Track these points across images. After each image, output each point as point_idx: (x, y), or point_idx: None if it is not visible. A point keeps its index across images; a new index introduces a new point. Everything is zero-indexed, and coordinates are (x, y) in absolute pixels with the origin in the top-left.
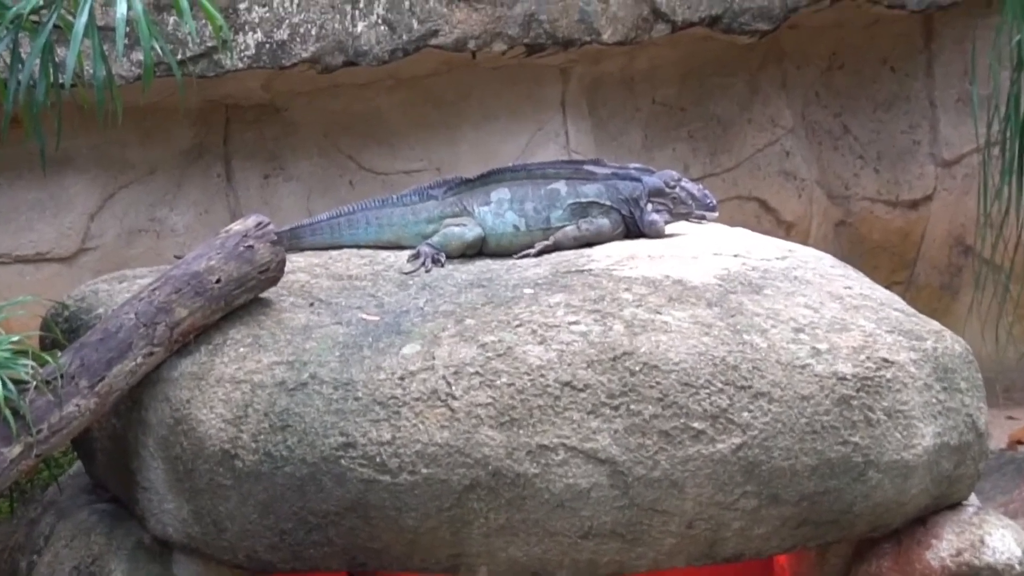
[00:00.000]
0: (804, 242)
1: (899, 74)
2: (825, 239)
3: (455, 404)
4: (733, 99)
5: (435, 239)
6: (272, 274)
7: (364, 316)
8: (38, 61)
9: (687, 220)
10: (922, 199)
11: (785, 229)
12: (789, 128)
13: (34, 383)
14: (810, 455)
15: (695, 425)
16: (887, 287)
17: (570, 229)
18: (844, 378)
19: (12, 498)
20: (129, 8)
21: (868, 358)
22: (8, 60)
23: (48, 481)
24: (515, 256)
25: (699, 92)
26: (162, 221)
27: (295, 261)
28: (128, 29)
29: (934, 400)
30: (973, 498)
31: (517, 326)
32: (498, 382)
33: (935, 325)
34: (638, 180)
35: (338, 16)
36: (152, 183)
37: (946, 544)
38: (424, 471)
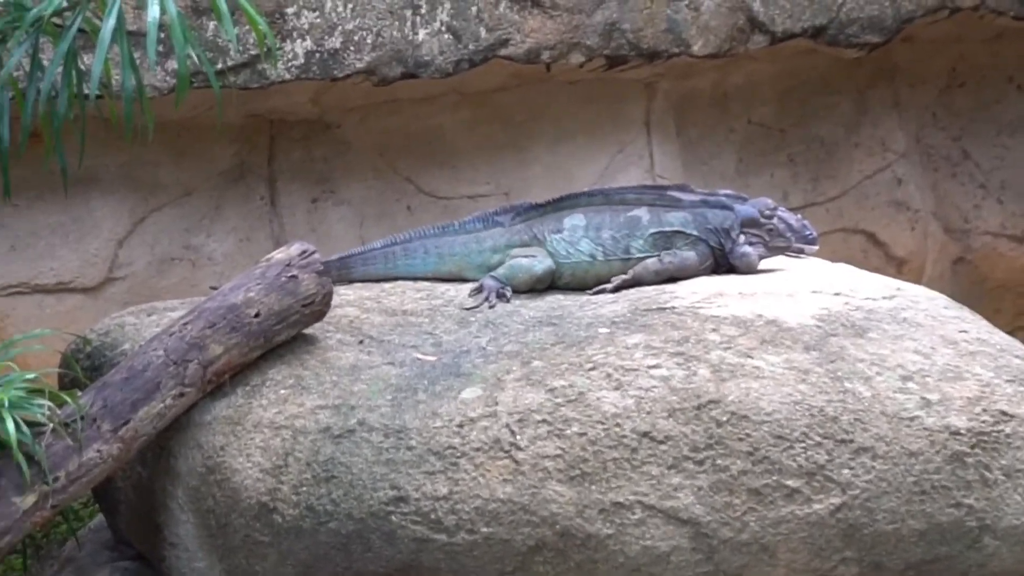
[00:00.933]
0: (917, 281)
1: None
2: (941, 277)
3: (520, 456)
4: (838, 120)
5: (500, 271)
6: (317, 308)
7: (420, 356)
8: (61, 69)
9: (784, 254)
10: None
11: (896, 266)
12: (901, 153)
13: (51, 426)
14: (918, 518)
15: (789, 483)
16: (1011, 332)
17: (652, 261)
18: (957, 432)
19: (26, 554)
20: (163, 11)
21: (985, 410)
22: (28, 67)
23: (66, 535)
24: (590, 291)
25: (800, 112)
26: (198, 248)
27: (344, 294)
28: (161, 35)
29: None
30: None
31: (590, 369)
32: (568, 432)
33: None
34: (729, 208)
35: (397, 23)
36: (187, 206)
37: None
38: (484, 530)
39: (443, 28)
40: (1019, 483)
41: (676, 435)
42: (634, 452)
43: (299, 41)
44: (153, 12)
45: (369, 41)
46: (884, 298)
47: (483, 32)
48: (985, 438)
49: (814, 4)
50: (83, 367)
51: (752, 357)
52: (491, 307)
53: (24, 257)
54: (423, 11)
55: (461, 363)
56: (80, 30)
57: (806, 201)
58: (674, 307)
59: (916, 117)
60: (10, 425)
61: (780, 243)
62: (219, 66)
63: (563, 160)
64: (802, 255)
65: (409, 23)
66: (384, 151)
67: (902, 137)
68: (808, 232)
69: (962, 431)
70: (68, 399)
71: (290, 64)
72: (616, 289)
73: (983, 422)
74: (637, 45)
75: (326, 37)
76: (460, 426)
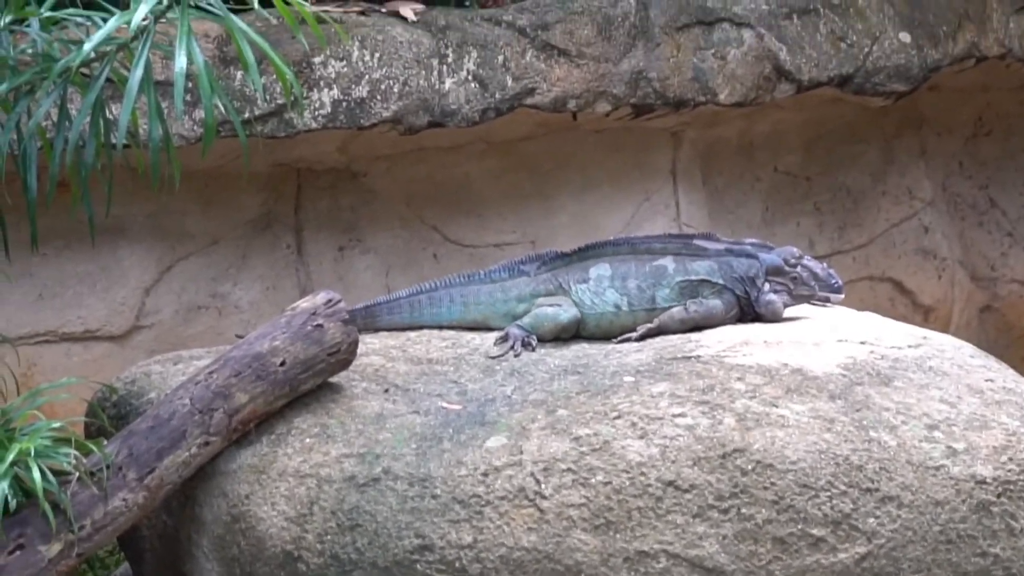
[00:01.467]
0: (944, 329)
1: None
2: (968, 326)
3: (544, 504)
4: (865, 168)
5: (526, 320)
6: (343, 356)
7: (445, 405)
8: (88, 119)
9: (809, 303)
10: None
11: (923, 314)
12: (928, 201)
13: (77, 474)
14: (944, 568)
15: (814, 532)
16: None
17: (677, 310)
18: (983, 482)
19: None
20: (190, 62)
21: (1011, 459)
22: (56, 118)
23: None
24: (615, 340)
25: (827, 160)
26: (224, 297)
27: (369, 343)
28: (189, 84)
29: None
30: None
31: (615, 418)
32: (593, 480)
33: None
34: (755, 257)
35: (423, 72)
36: (214, 255)
37: None
38: None
39: (470, 77)
40: None
41: (701, 484)
42: (659, 501)
43: (326, 90)
44: (180, 62)
45: (396, 90)
46: (910, 347)
47: (509, 81)
48: (1011, 487)
49: (840, 53)
50: (109, 415)
51: (777, 406)
52: (516, 356)
53: (52, 306)
54: (449, 60)
55: (486, 412)
56: (108, 80)
57: (832, 249)
58: (699, 356)
59: (943, 165)
60: (36, 474)
61: (805, 292)
62: (246, 115)
63: (589, 209)
64: (828, 304)
65: (436, 72)
66: (411, 200)
67: (929, 185)
68: (834, 281)
69: (988, 480)
70: (94, 448)
71: (317, 113)
72: (641, 338)
73: (1009, 471)
74: (663, 94)
75: (353, 86)
76: (485, 475)
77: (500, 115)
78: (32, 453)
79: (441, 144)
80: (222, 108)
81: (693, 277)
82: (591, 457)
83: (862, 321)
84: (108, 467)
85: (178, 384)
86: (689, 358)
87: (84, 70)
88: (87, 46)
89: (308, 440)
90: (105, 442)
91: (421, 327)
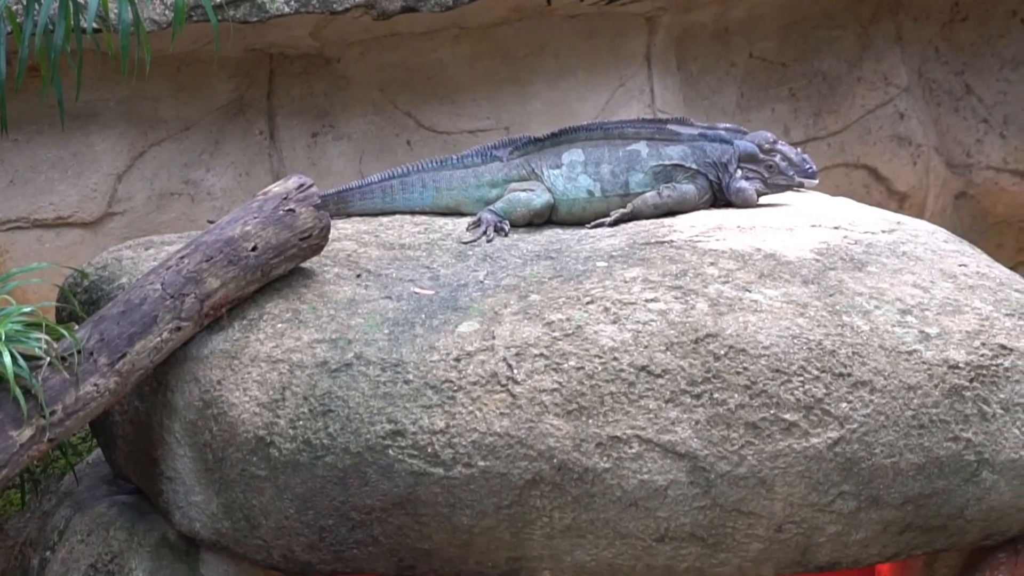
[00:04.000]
0: (919, 216)
1: None
2: (943, 213)
3: (517, 389)
4: (841, 54)
5: (498, 205)
6: (315, 242)
7: (417, 290)
8: (58, 2)
9: (784, 191)
10: None
11: (898, 201)
12: (904, 87)
13: (48, 359)
14: (916, 452)
15: (786, 417)
16: (1013, 267)
17: (650, 195)
18: (956, 366)
19: (24, 488)
20: None
21: (984, 344)
22: (24, 0)
23: (64, 470)
24: (588, 225)
25: (802, 46)
26: (197, 183)
27: (341, 228)
28: None
29: None
30: None
31: (588, 303)
32: (565, 365)
33: None
34: (728, 143)
35: None
36: (186, 141)
37: None
38: (481, 464)
39: None
40: (1017, 417)
41: (673, 369)
42: (631, 386)
43: None
44: None
45: None
46: (883, 232)
47: None
48: (984, 372)
49: None
50: (80, 301)
51: (750, 291)
52: (489, 241)
53: (23, 192)
54: None
55: (459, 297)
56: None
57: (807, 136)
58: (672, 241)
59: (919, 51)
60: (7, 358)
61: (781, 181)
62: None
63: (563, 95)
64: (801, 188)
65: None
66: (384, 86)
67: (904, 71)
68: (808, 166)
69: (961, 365)
70: (65, 333)
71: None
72: (615, 223)
73: (982, 356)
74: None
75: None
76: (457, 360)
77: (474, 0)
78: (3, 337)
79: (415, 29)
80: None
81: (666, 162)
82: (563, 342)
83: (836, 206)
84: (79, 352)
85: (149, 269)
86: (662, 243)
87: None
88: None
89: (280, 325)
90: (76, 327)
91: (394, 212)
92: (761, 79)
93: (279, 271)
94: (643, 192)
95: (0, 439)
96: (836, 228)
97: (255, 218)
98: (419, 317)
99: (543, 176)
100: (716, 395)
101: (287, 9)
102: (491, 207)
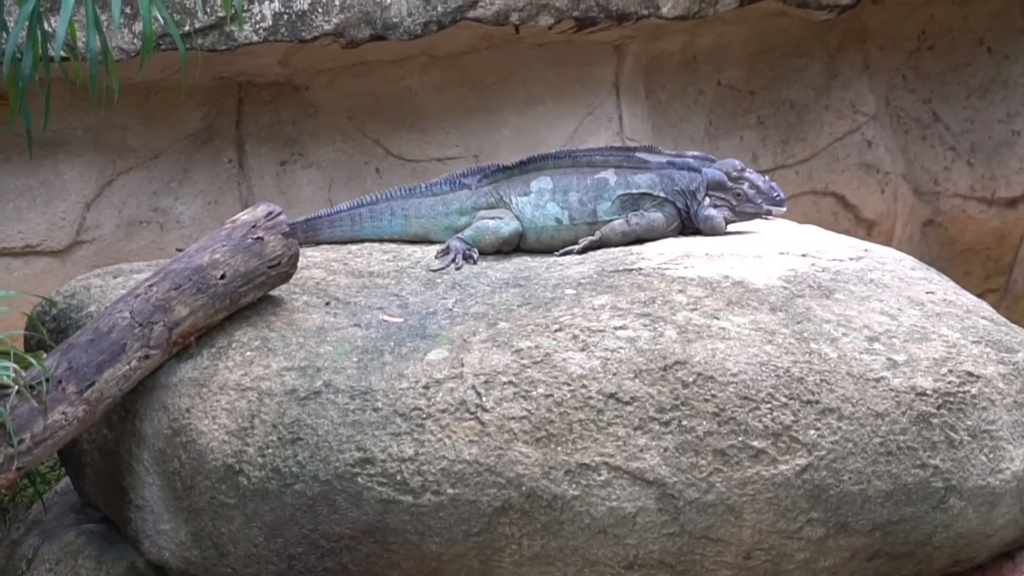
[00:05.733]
0: (887, 243)
1: (996, 56)
2: (911, 240)
3: (485, 417)
4: (808, 82)
5: (467, 233)
6: (284, 269)
7: (386, 318)
8: (25, 30)
9: (752, 219)
10: (1021, 196)
11: (866, 228)
12: (871, 115)
13: (16, 388)
14: (884, 479)
15: (755, 444)
16: (979, 295)
17: (619, 223)
18: (923, 393)
19: None
20: None
21: (951, 371)
22: None
23: (32, 498)
24: (557, 253)
25: (770, 74)
26: (166, 211)
27: (310, 256)
28: None
29: None
30: None
31: (556, 331)
32: (534, 393)
33: None
34: (697, 171)
35: None
36: (155, 169)
37: None
38: (450, 491)
39: None
40: (985, 444)
41: (642, 396)
42: (600, 413)
43: (267, 3)
44: None
45: (337, 3)
46: (851, 259)
47: None
48: (951, 399)
49: None
50: (49, 329)
51: (718, 318)
52: (457, 268)
53: None
54: None
55: (427, 325)
56: None
57: (776, 163)
58: (641, 268)
59: (886, 79)
60: None
61: (750, 209)
62: (186, 28)
63: (532, 123)
64: (770, 217)
65: None
66: (353, 114)
67: (872, 99)
68: (776, 194)
69: (928, 392)
70: (33, 361)
71: (258, 26)
72: (583, 250)
73: (949, 383)
74: (606, 7)
75: None
76: (426, 387)
77: (442, 28)
78: None
79: (383, 57)
80: (161, 20)
81: (634, 190)
82: (532, 370)
83: (804, 234)
84: (47, 380)
85: (118, 297)
86: (631, 271)
87: None
88: None
89: (249, 353)
90: (45, 356)
91: (362, 240)
92: (729, 107)
93: (248, 299)
94: (611, 220)
95: None
96: (804, 256)
97: (224, 246)
98: (388, 345)
99: (512, 204)
100: (685, 422)
101: (256, 37)
102: (460, 235)
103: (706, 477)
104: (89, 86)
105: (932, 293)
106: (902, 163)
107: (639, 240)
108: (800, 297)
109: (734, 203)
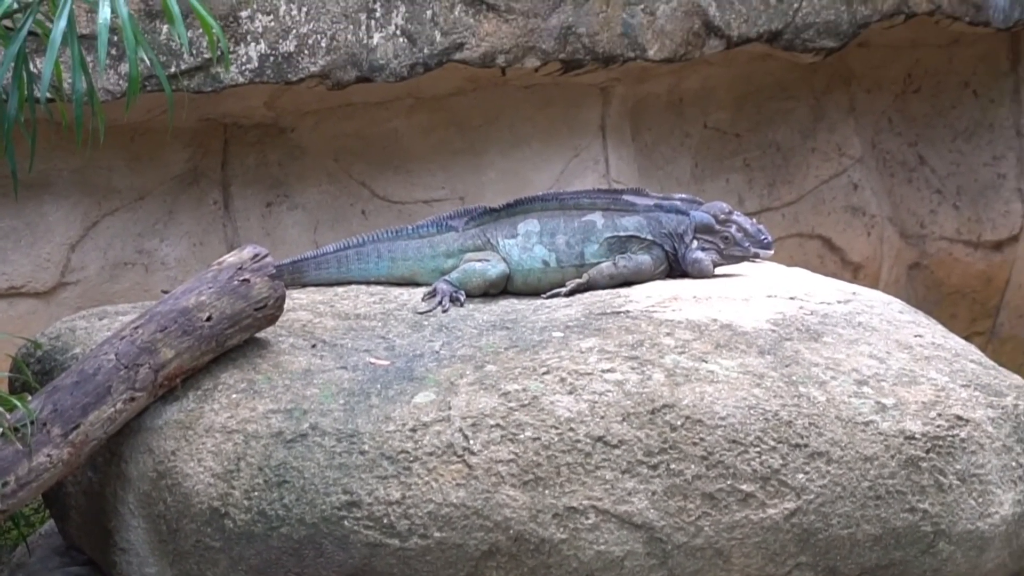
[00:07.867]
0: (873, 286)
1: (982, 99)
2: (897, 283)
3: (473, 460)
4: (794, 125)
5: (454, 275)
6: (270, 312)
7: (373, 360)
8: (11, 72)
9: (739, 262)
10: (1008, 239)
11: (852, 271)
12: (858, 158)
13: (0, 430)
14: (873, 523)
15: (743, 487)
16: (966, 338)
17: (606, 266)
18: (912, 437)
19: None
20: (114, 14)
21: (940, 415)
22: None
23: (16, 541)
24: (544, 295)
25: (756, 117)
26: (151, 253)
27: (296, 298)
28: (114, 38)
29: (1014, 464)
30: None
31: (544, 373)
32: (522, 436)
33: (1016, 380)
34: (684, 213)
35: (351, 26)
36: (140, 211)
37: None
38: (437, 535)
39: (398, 32)
40: (974, 488)
41: (630, 439)
42: (588, 457)
43: (253, 45)
44: (104, 14)
45: (323, 45)
46: (839, 302)
47: (438, 36)
48: (940, 443)
49: (770, 8)
50: (34, 371)
51: (707, 361)
52: (444, 311)
53: None
54: (378, 15)
55: (414, 367)
56: (31, 32)
57: (762, 206)
58: (628, 311)
59: (872, 122)
60: None
61: (737, 252)
62: (172, 70)
63: (518, 165)
64: (757, 259)
65: (364, 27)
66: (339, 155)
67: (858, 142)
68: (763, 236)
69: (917, 436)
70: (18, 403)
71: (244, 68)
72: (570, 293)
73: (938, 427)
74: (592, 49)
75: (280, 41)
76: (413, 430)
77: (429, 70)
78: None
79: (369, 99)
80: (147, 62)
81: (622, 233)
82: (520, 413)
83: (791, 277)
84: (32, 423)
85: (103, 339)
86: (618, 313)
87: (7, 22)
88: None
89: (235, 396)
90: (29, 398)
91: (349, 282)
92: (715, 149)
93: (234, 341)
94: (599, 263)
95: None
96: (792, 298)
97: (210, 288)
98: (375, 387)
99: (499, 246)
100: (673, 466)
101: (241, 79)
102: (447, 277)
103: (694, 521)
104: (75, 127)
105: (920, 336)
106: (888, 206)
107: (626, 283)
108: (788, 340)
109: (722, 246)
